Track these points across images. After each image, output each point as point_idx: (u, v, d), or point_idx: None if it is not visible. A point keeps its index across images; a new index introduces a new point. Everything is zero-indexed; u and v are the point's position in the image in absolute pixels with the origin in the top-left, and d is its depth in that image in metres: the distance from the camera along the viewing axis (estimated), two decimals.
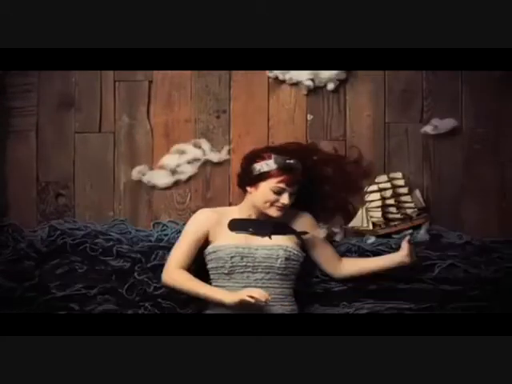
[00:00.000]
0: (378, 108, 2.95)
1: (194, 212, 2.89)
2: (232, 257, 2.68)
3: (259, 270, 2.69)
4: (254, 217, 2.76)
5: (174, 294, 2.77)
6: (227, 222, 2.74)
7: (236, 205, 2.88)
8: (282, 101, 2.96)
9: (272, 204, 2.69)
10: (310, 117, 2.95)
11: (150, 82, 2.97)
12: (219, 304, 2.63)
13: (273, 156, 2.70)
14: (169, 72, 2.95)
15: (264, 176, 2.69)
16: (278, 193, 2.68)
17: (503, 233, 2.92)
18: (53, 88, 2.97)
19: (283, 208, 2.69)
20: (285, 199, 2.68)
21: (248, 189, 2.74)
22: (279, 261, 2.69)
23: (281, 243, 2.72)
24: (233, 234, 2.72)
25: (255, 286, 2.65)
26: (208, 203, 2.93)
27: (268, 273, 2.69)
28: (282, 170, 2.68)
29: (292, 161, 2.71)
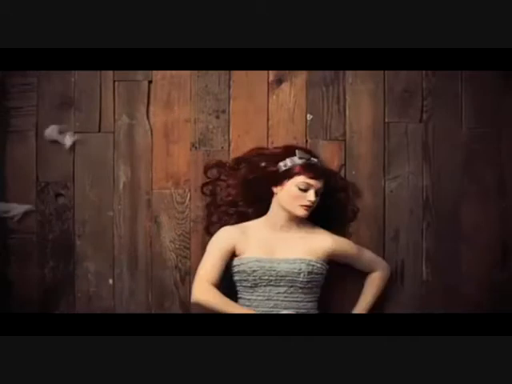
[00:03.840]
0: (378, 108, 2.95)
1: (193, 212, 2.91)
2: (254, 270, 2.68)
3: (282, 284, 2.67)
4: (281, 223, 2.76)
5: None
6: (252, 235, 2.75)
7: None
8: (281, 101, 2.95)
9: (299, 203, 2.69)
10: (309, 116, 2.95)
11: (150, 82, 2.96)
12: None
13: (297, 151, 2.73)
14: (168, 72, 2.95)
15: (289, 174, 2.70)
16: (305, 190, 2.68)
17: (504, 233, 2.92)
18: (52, 88, 2.96)
19: (310, 207, 2.69)
20: (311, 196, 2.67)
21: (274, 189, 2.75)
22: (302, 275, 2.67)
23: (303, 257, 2.70)
24: (257, 246, 2.72)
25: (278, 300, 2.66)
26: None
27: (291, 286, 2.68)
28: (307, 165, 2.70)
29: (315, 157, 2.76)
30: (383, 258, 2.91)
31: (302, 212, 2.70)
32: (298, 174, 2.69)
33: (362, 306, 2.82)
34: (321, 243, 2.76)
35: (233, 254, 2.75)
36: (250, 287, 2.69)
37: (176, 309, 2.94)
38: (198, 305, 2.71)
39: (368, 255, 2.84)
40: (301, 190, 2.68)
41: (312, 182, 2.68)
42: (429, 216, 2.93)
